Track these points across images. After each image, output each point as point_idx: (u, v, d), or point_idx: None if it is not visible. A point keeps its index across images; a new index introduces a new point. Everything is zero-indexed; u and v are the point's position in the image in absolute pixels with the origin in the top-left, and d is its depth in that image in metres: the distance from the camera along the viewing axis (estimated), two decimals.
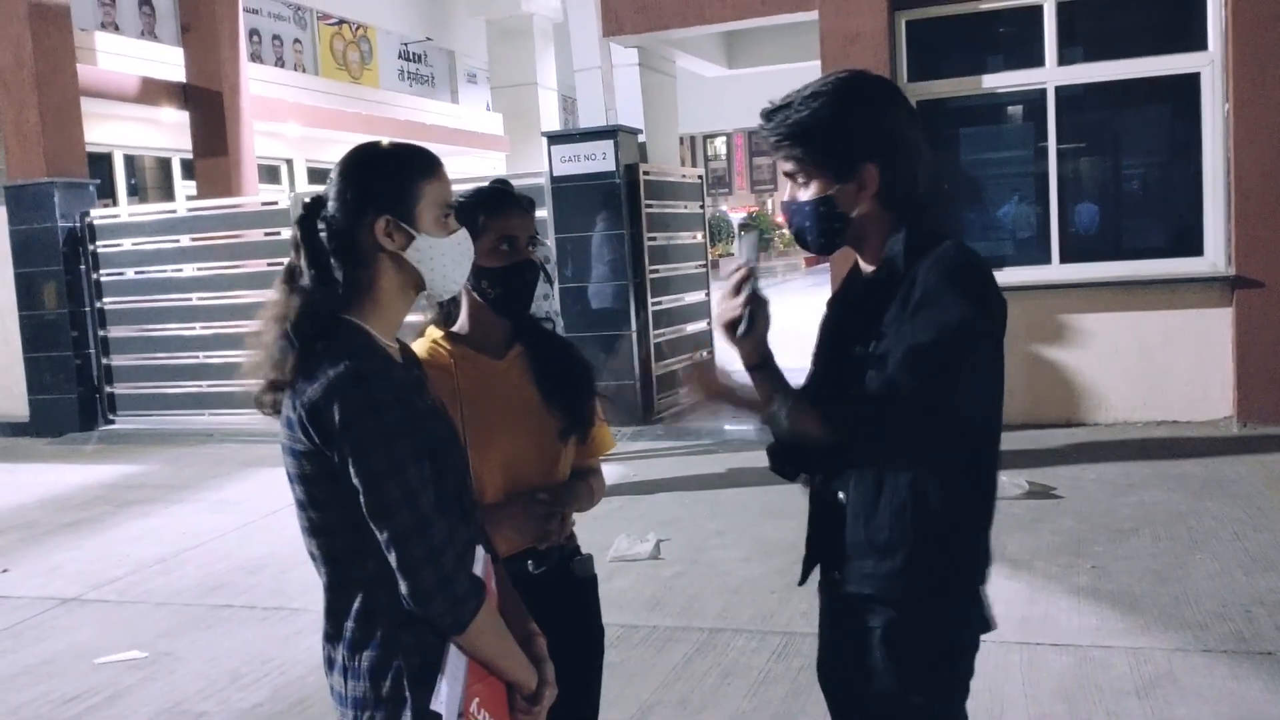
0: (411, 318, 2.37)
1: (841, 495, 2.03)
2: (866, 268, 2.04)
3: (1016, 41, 8.50)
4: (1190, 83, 7.94)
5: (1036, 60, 8.23)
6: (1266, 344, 7.57)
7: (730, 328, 1.99)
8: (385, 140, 1.89)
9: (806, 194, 1.99)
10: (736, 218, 38.42)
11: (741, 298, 1.99)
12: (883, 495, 1.95)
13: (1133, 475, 6.60)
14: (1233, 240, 7.69)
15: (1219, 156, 7.82)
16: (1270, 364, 7.56)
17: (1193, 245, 8.06)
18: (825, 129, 1.94)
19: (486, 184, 2.36)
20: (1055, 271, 8.23)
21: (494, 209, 2.25)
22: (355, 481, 1.68)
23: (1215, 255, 7.92)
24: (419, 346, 2.24)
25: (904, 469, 1.94)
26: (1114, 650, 4.12)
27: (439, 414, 1.86)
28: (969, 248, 1.93)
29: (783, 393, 1.96)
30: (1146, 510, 5.86)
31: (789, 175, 2.02)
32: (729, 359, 2.12)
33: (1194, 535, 5.39)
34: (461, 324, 2.30)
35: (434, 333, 2.30)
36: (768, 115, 2.00)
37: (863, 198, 1.96)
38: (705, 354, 10.13)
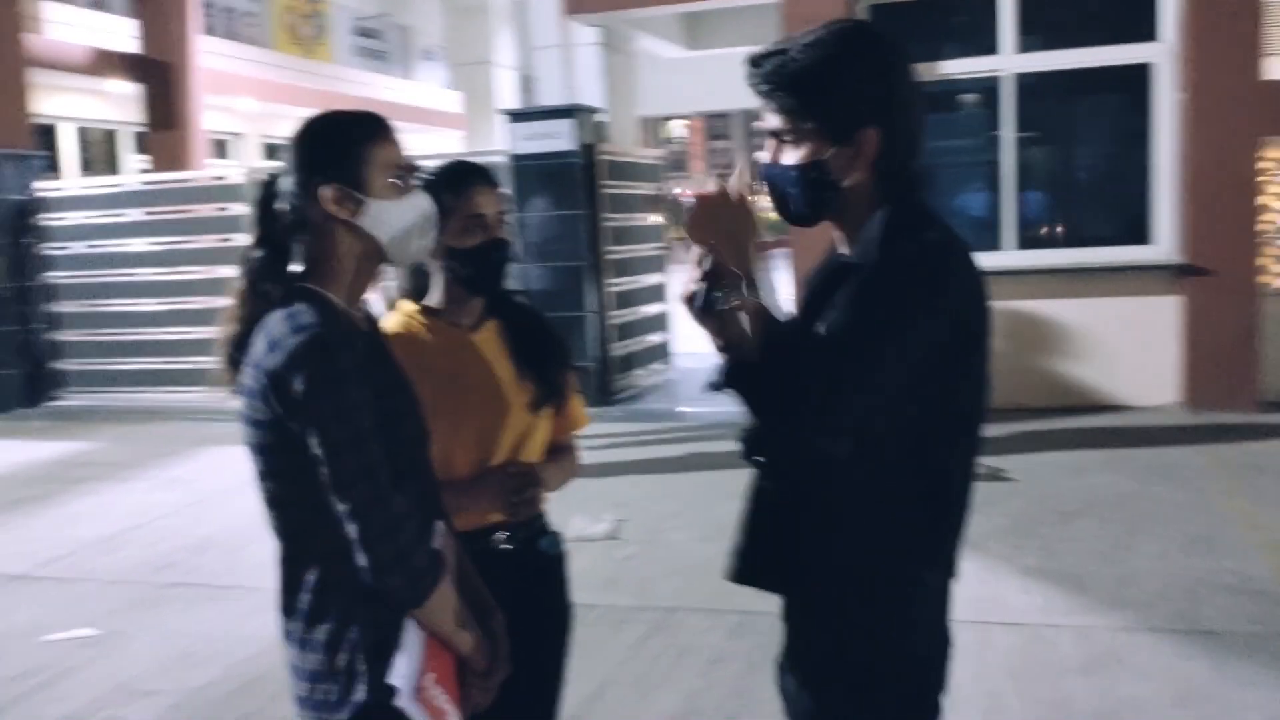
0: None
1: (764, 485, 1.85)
2: (844, 249, 1.82)
3: (975, 29, 8.53)
4: (1145, 72, 8.05)
5: (994, 48, 8.29)
6: (1214, 331, 7.70)
7: (689, 302, 1.71)
8: (332, 109, 1.86)
9: (793, 156, 1.73)
10: (688, 201, 38.26)
11: (700, 270, 1.70)
12: (803, 492, 1.76)
13: (1082, 460, 6.70)
14: (1183, 228, 7.82)
15: (1171, 146, 7.94)
16: (1217, 351, 7.70)
17: (1144, 233, 8.19)
18: (828, 80, 1.69)
19: (441, 162, 2.32)
20: (1008, 258, 8.31)
21: (459, 188, 2.20)
22: (316, 452, 1.67)
23: (1165, 243, 8.05)
24: (391, 320, 2.21)
25: (825, 465, 1.71)
26: (1061, 629, 4.20)
27: (403, 386, 1.84)
28: (941, 243, 1.72)
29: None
30: (1094, 493, 5.96)
31: (775, 134, 1.75)
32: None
33: (1139, 518, 5.49)
34: (436, 297, 2.26)
35: (407, 306, 2.27)
36: (757, 60, 1.74)
37: (858, 165, 1.71)
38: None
